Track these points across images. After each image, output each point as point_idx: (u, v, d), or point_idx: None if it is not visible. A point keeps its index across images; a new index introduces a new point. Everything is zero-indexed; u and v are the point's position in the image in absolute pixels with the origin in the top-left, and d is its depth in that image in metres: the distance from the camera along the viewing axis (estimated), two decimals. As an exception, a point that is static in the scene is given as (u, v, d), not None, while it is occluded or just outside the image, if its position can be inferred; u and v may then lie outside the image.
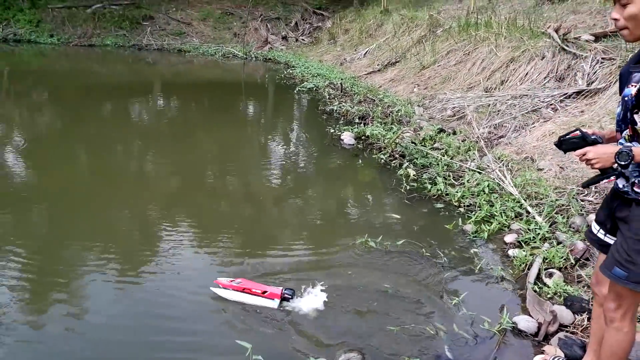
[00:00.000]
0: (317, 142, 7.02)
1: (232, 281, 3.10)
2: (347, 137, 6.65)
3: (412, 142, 6.20)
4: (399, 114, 7.64)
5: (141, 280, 3.30)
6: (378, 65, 11.84)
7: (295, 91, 10.44)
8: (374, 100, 8.81)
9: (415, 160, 5.66)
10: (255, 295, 3.03)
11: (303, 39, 19.01)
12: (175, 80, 13.67)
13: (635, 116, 1.78)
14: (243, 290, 3.06)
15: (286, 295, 3.02)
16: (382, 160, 5.83)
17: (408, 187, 4.97)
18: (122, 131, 7.78)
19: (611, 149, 1.77)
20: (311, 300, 3.01)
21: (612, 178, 1.89)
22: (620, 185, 1.89)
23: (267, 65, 15.58)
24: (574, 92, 6.32)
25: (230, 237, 4.07)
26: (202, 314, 2.96)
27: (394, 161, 5.78)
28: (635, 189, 1.82)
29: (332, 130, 7.07)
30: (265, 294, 3.02)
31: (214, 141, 7.38)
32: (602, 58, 6.52)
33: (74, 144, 6.82)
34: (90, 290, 3.18)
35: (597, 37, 6.93)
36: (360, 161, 5.99)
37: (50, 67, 14.22)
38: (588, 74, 6.50)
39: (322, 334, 2.76)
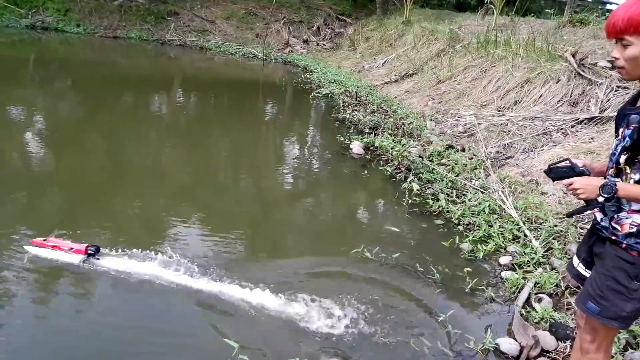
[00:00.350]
0: (327, 149, 7.11)
1: (44, 240, 3.44)
2: (356, 147, 6.73)
3: (420, 157, 6.26)
4: (411, 126, 7.71)
5: (129, 277, 3.31)
6: (395, 75, 11.91)
7: (310, 96, 10.56)
8: (387, 111, 8.88)
9: (420, 174, 5.72)
10: (63, 251, 3.36)
11: (324, 44, 19.14)
12: (195, 76, 13.90)
13: (622, 156, 1.84)
14: (53, 248, 3.37)
15: (90, 252, 3.35)
16: (388, 173, 5.90)
17: (410, 201, 5.04)
18: (139, 123, 7.99)
19: (597, 181, 1.83)
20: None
21: (596, 210, 1.95)
22: (599, 219, 1.95)
23: (286, 67, 15.74)
24: (586, 118, 6.32)
25: (226, 235, 4.14)
26: (187, 313, 3.05)
27: (399, 174, 5.84)
28: (613, 224, 1.88)
29: (342, 139, 7.16)
30: (72, 250, 3.35)
31: (227, 138, 7.53)
32: (617, 86, 6.52)
33: (92, 132, 7.03)
34: (79, 282, 3.30)
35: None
36: (366, 172, 6.06)
37: (75, 57, 14.55)
38: (602, 101, 6.49)
39: (307, 338, 2.85)
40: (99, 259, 3.37)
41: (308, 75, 13.21)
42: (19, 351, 2.61)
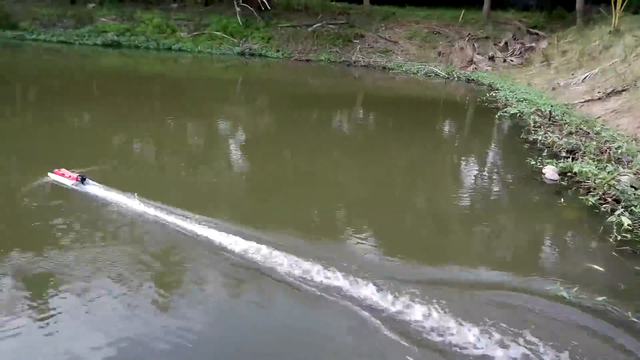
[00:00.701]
0: (514, 172, 6.62)
1: (57, 169, 5.19)
2: (550, 172, 6.10)
3: (632, 187, 5.38)
4: (619, 151, 6.70)
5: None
6: (599, 93, 10.51)
7: (496, 115, 9.98)
8: (588, 133, 7.87)
9: (633, 207, 4.91)
10: (65, 177, 5.09)
11: (511, 60, 17.96)
12: (376, 94, 14.38)
13: None
14: (61, 175, 5.12)
15: (79, 179, 5.04)
16: (590, 203, 5.20)
17: (619, 238, 4.36)
18: (324, 135, 8.58)
19: None
20: None
21: None
22: None
23: (468, 86, 15.21)
24: None
25: (398, 250, 4.12)
26: (368, 326, 3.08)
27: (604, 205, 5.10)
28: None
29: (532, 162, 6.58)
30: (70, 177, 5.07)
31: (404, 155, 7.58)
32: None
33: (282, 143, 7.81)
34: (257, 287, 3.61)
35: None
36: (562, 200, 5.44)
37: (274, 78, 16.38)
38: None
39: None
40: (85, 185, 5.03)
41: (493, 94, 12.53)
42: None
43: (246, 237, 4.05)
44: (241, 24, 19.63)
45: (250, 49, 18.99)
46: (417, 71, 16.88)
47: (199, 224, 4.26)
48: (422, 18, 20.69)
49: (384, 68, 17.64)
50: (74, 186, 5.00)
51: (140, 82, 13.26)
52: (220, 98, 11.99)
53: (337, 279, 3.51)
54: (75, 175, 5.04)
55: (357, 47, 19.12)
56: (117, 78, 13.68)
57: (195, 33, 19.56)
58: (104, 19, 19.43)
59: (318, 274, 3.57)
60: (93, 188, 5.01)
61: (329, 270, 3.61)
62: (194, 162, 6.48)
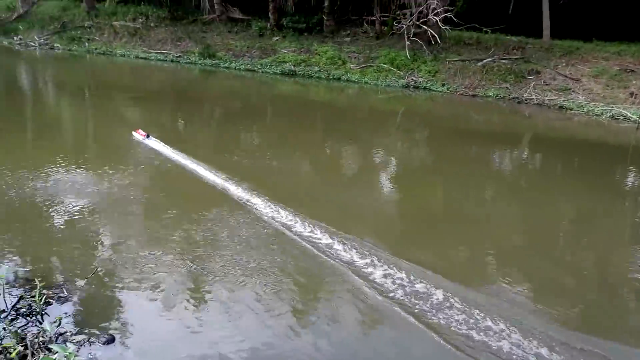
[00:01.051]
0: None
1: (137, 130, 8.05)
2: None
3: None
4: None
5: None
6: None
7: None
8: None
9: None
10: (139, 134, 7.94)
11: None
12: (548, 135, 13.15)
13: None
14: (138, 133, 7.99)
15: (146, 136, 7.87)
16: None
17: None
18: (482, 173, 8.10)
19: None
20: None
21: None
22: None
23: (669, 133, 12.96)
24: None
25: (554, 310, 3.62)
26: None
27: None
28: None
29: None
30: (142, 134, 7.91)
31: (573, 205, 6.75)
32: None
33: (436, 176, 7.59)
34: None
35: None
36: None
37: (436, 111, 16.16)
38: None
39: None
40: (149, 139, 7.71)
41: None
42: None
43: (389, 267, 4.02)
44: (409, 57, 19.88)
45: (415, 82, 19.06)
46: (602, 113, 15.01)
47: (347, 249, 4.37)
48: (612, 54, 18.45)
49: (561, 107, 16.09)
50: (143, 140, 7.74)
51: (308, 108, 14.30)
52: (380, 128, 12.23)
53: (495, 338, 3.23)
54: (144, 133, 7.90)
55: (531, 84, 17.79)
56: (288, 103, 14.97)
57: (364, 65, 20.42)
58: (284, 51, 21.52)
59: (468, 326, 3.32)
60: (154, 142, 7.70)
61: (487, 322, 3.35)
62: (346, 185, 6.69)
